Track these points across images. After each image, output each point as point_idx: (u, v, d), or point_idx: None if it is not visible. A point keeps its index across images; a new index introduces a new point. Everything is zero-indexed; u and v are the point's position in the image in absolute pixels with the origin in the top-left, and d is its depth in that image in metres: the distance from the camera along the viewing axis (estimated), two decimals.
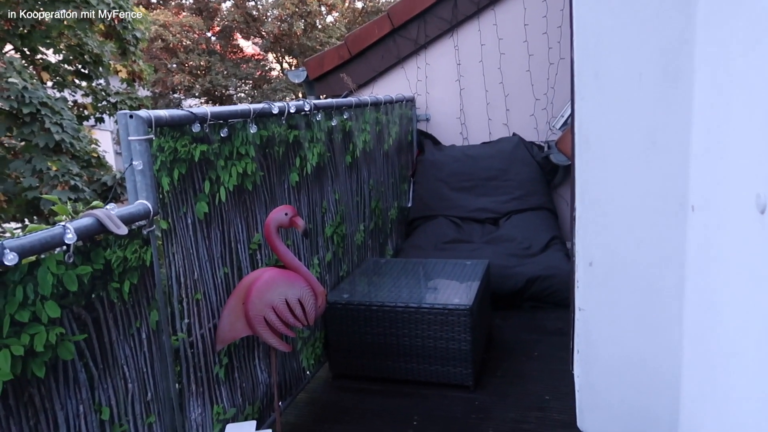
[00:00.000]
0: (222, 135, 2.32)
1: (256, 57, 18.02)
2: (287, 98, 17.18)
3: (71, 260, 1.55)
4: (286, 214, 2.26)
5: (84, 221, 1.60)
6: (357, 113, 3.81)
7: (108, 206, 1.73)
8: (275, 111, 2.68)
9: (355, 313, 3.13)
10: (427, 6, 5.09)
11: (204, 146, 2.21)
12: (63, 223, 1.54)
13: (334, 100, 3.48)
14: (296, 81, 5.47)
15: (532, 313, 4.08)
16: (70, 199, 5.24)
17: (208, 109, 2.23)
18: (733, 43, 1.16)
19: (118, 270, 1.74)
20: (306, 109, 3.00)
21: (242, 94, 17.68)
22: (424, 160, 5.16)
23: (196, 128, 2.15)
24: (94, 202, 1.85)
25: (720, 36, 1.23)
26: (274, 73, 18.30)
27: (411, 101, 5.21)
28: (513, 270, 4.13)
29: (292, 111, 2.83)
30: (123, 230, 1.68)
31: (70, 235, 1.53)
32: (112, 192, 5.58)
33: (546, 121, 5.14)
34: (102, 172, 6.08)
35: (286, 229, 2.77)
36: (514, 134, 5.19)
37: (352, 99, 3.71)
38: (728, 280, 1.16)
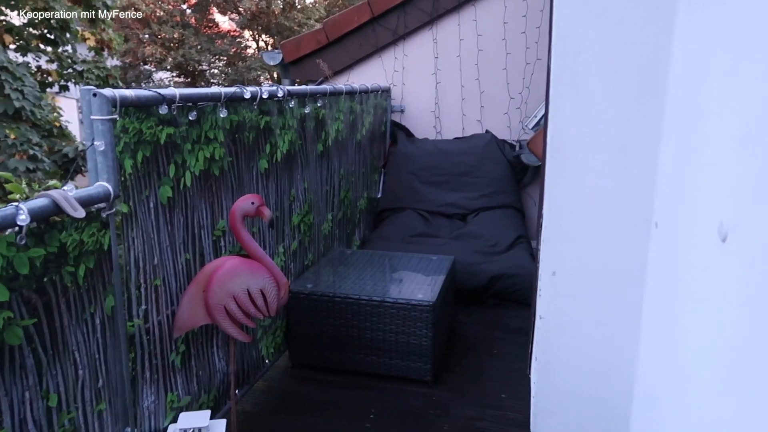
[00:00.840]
0: (190, 118, 2.26)
1: (231, 33, 17.66)
2: (262, 78, 16.92)
3: (23, 242, 1.49)
4: (252, 203, 2.22)
5: (39, 202, 1.54)
6: (331, 101, 3.76)
7: (65, 187, 1.67)
8: (247, 96, 2.62)
9: (318, 304, 3.11)
10: None
11: (171, 129, 2.15)
12: (16, 204, 1.48)
13: (309, 87, 3.43)
14: (271, 63, 5.38)
15: (494, 310, 4.12)
16: (28, 169, 5.06)
17: (177, 90, 2.16)
18: (708, 67, 1.17)
19: (74, 253, 1.68)
20: (279, 95, 2.94)
21: (215, 71, 17.33)
22: (396, 151, 5.14)
23: (163, 110, 2.09)
24: (51, 182, 1.78)
25: (695, 58, 1.24)
26: (250, 51, 17.96)
27: (387, 91, 5.18)
28: (478, 267, 4.16)
29: (264, 96, 2.77)
30: (80, 213, 1.62)
31: (23, 217, 1.47)
32: (73, 165, 5.41)
33: (519, 121, 5.17)
34: (64, 143, 5.88)
35: (252, 218, 2.73)
36: (487, 131, 5.21)
37: (326, 87, 3.66)
38: (686, 300, 1.18)
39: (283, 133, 3.07)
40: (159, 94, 2.07)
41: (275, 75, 17.27)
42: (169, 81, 16.15)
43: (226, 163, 2.53)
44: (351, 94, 4.14)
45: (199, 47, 15.76)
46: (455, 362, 3.32)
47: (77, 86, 7.48)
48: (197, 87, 16.84)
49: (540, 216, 1.89)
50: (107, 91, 1.85)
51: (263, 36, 17.73)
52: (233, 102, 2.56)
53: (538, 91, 5.05)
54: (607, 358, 1.53)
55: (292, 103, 3.14)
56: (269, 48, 18.14)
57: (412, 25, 5.15)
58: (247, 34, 17.82)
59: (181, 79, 16.51)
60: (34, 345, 1.55)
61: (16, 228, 1.47)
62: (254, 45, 18.13)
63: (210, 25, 17.20)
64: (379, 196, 5.09)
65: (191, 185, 2.29)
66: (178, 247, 2.24)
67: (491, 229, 4.60)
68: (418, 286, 3.20)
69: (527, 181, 5.22)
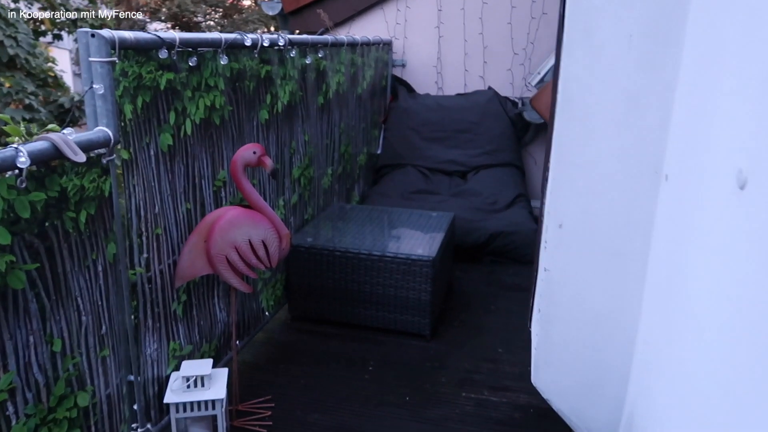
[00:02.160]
0: (190, 64, 2.20)
1: None
2: (259, 30, 16.54)
3: (24, 185, 1.46)
4: (254, 153, 2.19)
5: (38, 145, 1.51)
6: (332, 53, 3.68)
7: (65, 131, 1.63)
8: (248, 43, 2.56)
9: (317, 257, 3.12)
10: None
11: (171, 74, 2.10)
12: (15, 145, 1.45)
13: (310, 36, 3.35)
14: (270, 13, 5.24)
15: (491, 267, 4.14)
16: (24, 119, 4.98)
17: (177, 34, 2.10)
18: (728, 10, 1.13)
19: (75, 199, 1.66)
20: (280, 43, 2.87)
21: (211, 23, 16.92)
22: (397, 107, 5.07)
23: (163, 54, 2.03)
24: (50, 125, 1.74)
25: (715, 2, 1.20)
26: (246, 3, 17.53)
27: (388, 45, 5.07)
28: (477, 224, 4.16)
29: (265, 44, 2.70)
30: (81, 157, 1.59)
31: (23, 159, 1.44)
32: (69, 115, 5.32)
33: (522, 77, 5.09)
34: (59, 93, 5.77)
35: (253, 168, 2.70)
36: (489, 88, 5.13)
37: (328, 37, 3.57)
38: (696, 253, 1.17)
39: (283, 83, 3.01)
40: (159, 37, 2.01)
41: (272, 28, 16.91)
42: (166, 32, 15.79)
43: (227, 113, 2.49)
44: (352, 45, 4.05)
45: None
46: (453, 317, 3.35)
47: (70, 36, 7.30)
48: None
49: (546, 169, 1.87)
50: (106, 32, 1.79)
51: None
52: (234, 49, 2.49)
53: (543, 47, 4.95)
54: (610, 312, 1.54)
55: (293, 53, 3.07)
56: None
57: None
58: None
59: (176, 31, 16.15)
60: (37, 290, 1.54)
61: (16, 171, 1.44)
62: None
63: None
64: (379, 152, 5.05)
65: (191, 133, 2.25)
66: (179, 196, 2.22)
67: (491, 187, 4.58)
68: (418, 241, 3.20)
69: (528, 140, 5.17)
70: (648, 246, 1.48)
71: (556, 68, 1.64)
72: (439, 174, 4.82)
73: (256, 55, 2.69)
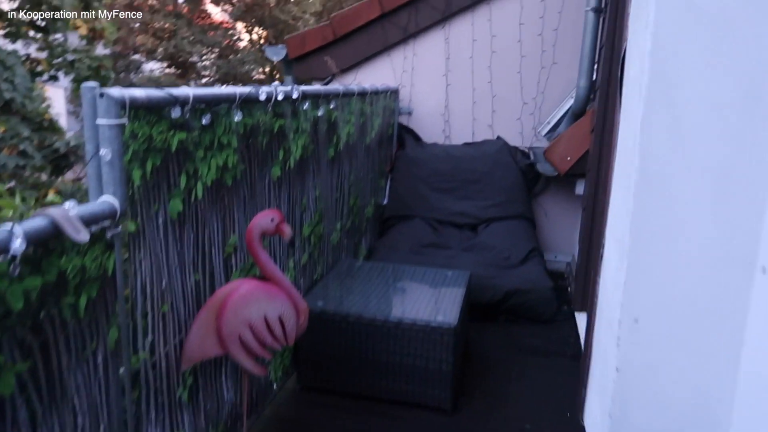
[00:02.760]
0: (204, 122, 2.02)
1: (224, 24, 17.30)
2: (254, 72, 16.60)
3: (17, 273, 1.25)
4: (272, 220, 1.99)
5: (36, 223, 1.30)
6: (343, 103, 3.53)
7: (66, 204, 1.43)
8: (262, 97, 2.39)
9: (329, 323, 2.89)
10: None
11: (183, 134, 1.91)
12: (9, 226, 1.24)
13: (322, 87, 3.19)
14: (274, 59, 5.12)
15: (507, 327, 3.92)
16: (18, 165, 4.76)
17: (191, 91, 1.92)
18: None
19: (74, 282, 1.45)
20: (294, 96, 2.71)
21: (207, 62, 16.95)
22: (404, 155, 4.92)
23: (175, 113, 1.85)
24: (50, 197, 1.54)
25: None
26: (243, 44, 17.62)
27: (395, 92, 4.96)
28: (492, 281, 3.96)
29: (279, 98, 2.54)
30: (84, 236, 1.38)
31: (18, 243, 1.23)
32: (65, 163, 5.11)
33: (532, 127, 4.97)
34: (55, 137, 5.58)
35: (270, 236, 2.49)
36: (498, 137, 5.01)
37: (339, 87, 3.43)
38: None
39: (296, 137, 2.84)
40: (171, 95, 1.83)
41: (267, 70, 16.96)
42: (160, 72, 15.77)
43: (239, 172, 2.30)
44: (362, 95, 3.91)
45: (191, 38, 15.40)
46: (473, 386, 3.11)
47: (66, 75, 7.15)
48: (188, 79, 16.48)
49: (602, 246, 1.69)
50: (115, 91, 1.61)
51: (257, 28, 17.40)
52: (247, 104, 2.32)
53: (553, 97, 4.86)
54: (697, 420, 1.33)
55: (306, 105, 2.91)
56: (262, 41, 17.79)
57: (424, 23, 4.93)
58: (240, 25, 17.48)
59: (172, 70, 16.13)
60: (28, 393, 1.32)
61: (9, 256, 1.23)
62: (247, 37, 17.80)
63: (203, 15, 16.83)
64: (385, 202, 4.87)
65: (203, 197, 2.05)
66: (188, 267, 2.01)
67: (503, 240, 4.40)
68: (437, 305, 2.99)
69: (538, 191, 5.03)
70: (740, 349, 1.28)
71: (607, 139, 1.47)
72: (449, 226, 4.64)
73: (270, 109, 2.52)
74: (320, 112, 3.13)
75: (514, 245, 4.36)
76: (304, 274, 3.08)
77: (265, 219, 1.99)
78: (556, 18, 4.73)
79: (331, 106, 3.30)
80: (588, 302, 4.13)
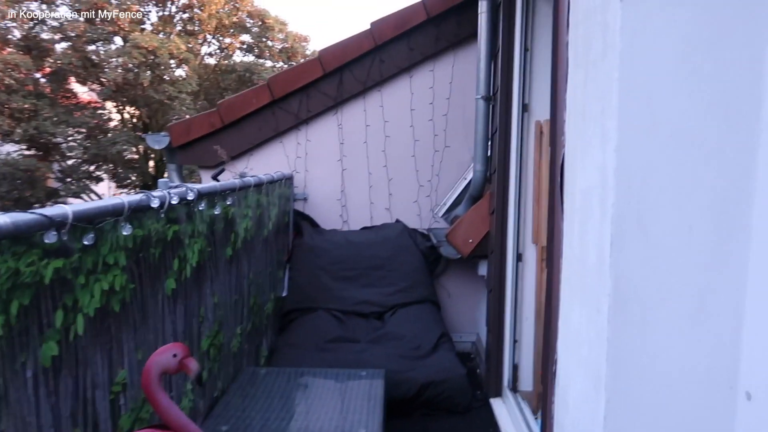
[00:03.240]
0: (85, 243, 1.69)
1: (93, 104, 16.35)
2: (127, 153, 15.72)
3: None
4: (174, 356, 1.67)
5: None
6: (239, 197, 3.28)
7: None
8: (155, 204, 2.10)
9: None
10: (311, 80, 4.77)
11: (59, 261, 1.57)
12: None
13: (218, 184, 2.93)
14: (156, 147, 4.77)
15: (424, 423, 3.70)
16: None
17: (69, 209, 1.60)
18: None
19: None
20: (189, 197, 2.43)
21: (74, 143, 15.79)
22: (302, 244, 4.69)
23: (50, 238, 1.52)
24: None
25: None
26: (113, 123, 16.69)
27: (290, 179, 4.77)
28: (405, 375, 3.75)
29: (174, 202, 2.25)
30: None
31: None
32: None
33: (429, 209, 4.98)
34: None
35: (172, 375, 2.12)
36: (397, 220, 4.95)
37: (235, 182, 3.18)
38: None
39: (192, 242, 2.53)
40: (45, 216, 1.50)
41: (141, 149, 16.14)
42: (18, 155, 14.42)
43: (128, 293, 1.95)
44: (258, 186, 3.68)
45: (55, 119, 14.33)
46: None
47: None
48: (51, 161, 15.22)
49: (554, 362, 1.57)
50: None
51: (128, 108, 16.63)
52: (137, 213, 2.02)
53: (448, 179, 4.92)
54: None
55: (202, 205, 2.63)
56: (135, 120, 16.99)
57: (316, 109, 4.85)
58: (110, 105, 16.61)
59: (32, 152, 14.82)
60: None
61: None
62: (118, 117, 16.93)
63: (68, 95, 15.81)
64: (284, 294, 4.56)
65: (84, 332, 1.69)
66: (65, 421, 1.61)
67: (412, 328, 4.25)
68: (356, 416, 2.72)
69: (440, 272, 4.99)
70: None
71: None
72: (354, 317, 4.41)
73: (163, 215, 2.22)
74: (217, 211, 2.85)
75: (423, 332, 4.22)
76: (203, 394, 2.69)
77: (165, 356, 1.66)
78: (445, 104, 4.86)
79: (228, 202, 3.03)
80: (501, 388, 4.05)
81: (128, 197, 1.94)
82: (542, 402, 1.66)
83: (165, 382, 1.79)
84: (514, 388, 3.81)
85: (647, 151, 1.13)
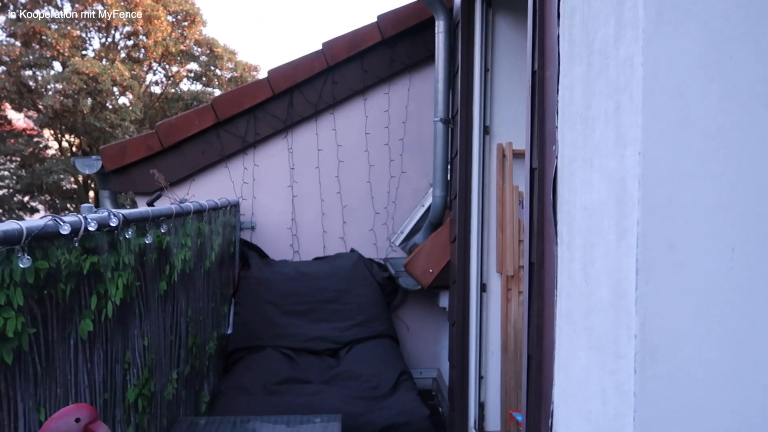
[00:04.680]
0: None
1: (28, 131, 15.50)
2: (65, 183, 14.91)
3: None
4: (77, 421, 1.32)
5: None
6: (177, 225, 2.93)
7: None
8: (65, 230, 1.75)
9: None
10: (259, 101, 4.48)
11: None
12: None
13: (150, 209, 2.58)
14: (86, 172, 4.35)
15: None
16: None
17: None
18: None
19: None
20: (112, 223, 2.08)
21: (6, 172, 14.87)
22: (249, 276, 4.33)
23: None
24: None
25: None
26: (51, 152, 15.84)
27: (235, 206, 4.43)
28: (364, 418, 3.42)
29: (91, 229, 1.90)
30: None
31: None
32: None
33: (386, 237, 4.71)
34: None
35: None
36: (352, 250, 4.66)
37: (171, 207, 2.83)
38: None
39: (116, 276, 2.17)
40: None
41: (80, 178, 15.35)
42: None
43: (26, 341, 1.59)
44: (199, 213, 3.34)
45: None
46: None
47: None
48: None
49: (550, 403, 1.30)
50: None
51: (67, 135, 15.85)
52: (41, 242, 1.66)
53: (405, 206, 4.69)
54: None
55: (129, 233, 2.28)
56: (74, 149, 16.19)
57: (264, 132, 4.56)
58: (47, 132, 15.79)
59: None
60: None
61: None
62: (56, 145, 16.09)
63: (1, 122, 14.95)
64: (229, 332, 4.17)
65: None
66: None
67: (369, 365, 3.93)
68: None
69: (398, 304, 4.70)
70: None
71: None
72: (307, 355, 4.05)
73: (77, 244, 1.87)
74: (148, 240, 2.50)
75: (382, 370, 3.90)
76: None
77: (63, 421, 1.31)
78: (401, 128, 4.65)
79: (162, 230, 2.68)
80: (466, 428, 3.76)
81: (28, 222, 1.59)
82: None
83: None
84: (480, 428, 3.54)
85: (679, 156, 0.89)
